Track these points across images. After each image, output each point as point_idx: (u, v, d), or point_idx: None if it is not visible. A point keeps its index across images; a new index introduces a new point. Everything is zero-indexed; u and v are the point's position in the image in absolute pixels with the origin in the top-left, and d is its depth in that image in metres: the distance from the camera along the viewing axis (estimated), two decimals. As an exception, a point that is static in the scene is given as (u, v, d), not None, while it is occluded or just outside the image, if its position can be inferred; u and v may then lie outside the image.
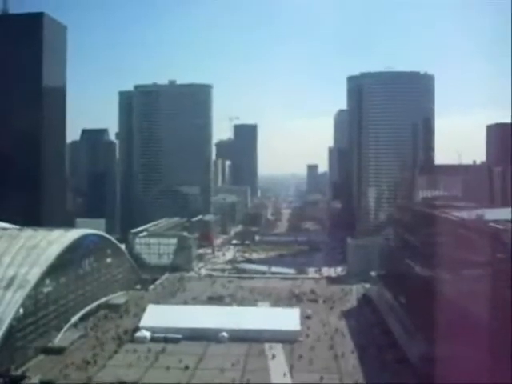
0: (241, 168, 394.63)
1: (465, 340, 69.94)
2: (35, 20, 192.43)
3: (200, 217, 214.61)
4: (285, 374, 78.36)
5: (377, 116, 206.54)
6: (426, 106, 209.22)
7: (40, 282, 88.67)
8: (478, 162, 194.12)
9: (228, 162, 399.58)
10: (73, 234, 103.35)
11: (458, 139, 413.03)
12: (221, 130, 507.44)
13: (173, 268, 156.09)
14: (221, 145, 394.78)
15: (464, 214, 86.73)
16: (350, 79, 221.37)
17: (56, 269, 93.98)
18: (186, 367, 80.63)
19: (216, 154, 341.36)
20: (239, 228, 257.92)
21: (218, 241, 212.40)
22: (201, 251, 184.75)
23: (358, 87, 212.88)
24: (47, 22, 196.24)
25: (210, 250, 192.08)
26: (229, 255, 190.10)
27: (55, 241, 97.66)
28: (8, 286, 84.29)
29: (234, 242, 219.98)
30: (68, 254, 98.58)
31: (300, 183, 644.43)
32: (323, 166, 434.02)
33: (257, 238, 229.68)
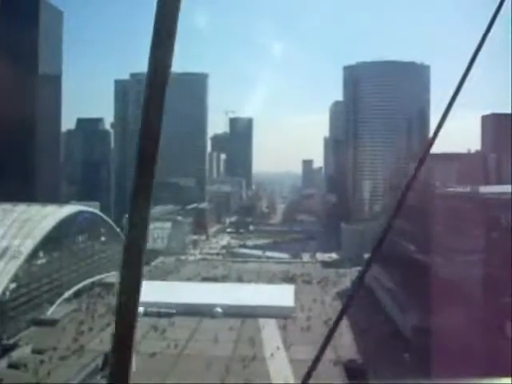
0: (236, 161, 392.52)
1: (456, 312, 70.43)
2: (31, 4, 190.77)
3: (195, 205, 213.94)
4: (278, 348, 78.52)
5: (372, 106, 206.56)
6: (422, 96, 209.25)
7: (33, 254, 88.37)
8: (473, 151, 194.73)
9: (223, 156, 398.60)
10: (67, 209, 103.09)
11: (453, 131, 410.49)
12: (216, 124, 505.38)
13: (167, 252, 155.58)
14: (216, 138, 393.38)
15: (457, 189, 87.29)
16: (346, 69, 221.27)
17: (49, 242, 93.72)
18: (179, 339, 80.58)
19: (211, 148, 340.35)
20: (234, 218, 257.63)
21: (212, 229, 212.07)
22: (195, 237, 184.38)
23: (354, 77, 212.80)
24: (43, 7, 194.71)
25: (204, 237, 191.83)
26: (223, 242, 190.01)
27: (49, 215, 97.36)
28: (0, 257, 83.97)
29: (229, 230, 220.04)
30: (62, 228, 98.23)
31: (295, 181, 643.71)
32: (318, 162, 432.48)
33: (251, 227, 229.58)
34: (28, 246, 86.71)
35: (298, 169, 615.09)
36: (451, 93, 3.81)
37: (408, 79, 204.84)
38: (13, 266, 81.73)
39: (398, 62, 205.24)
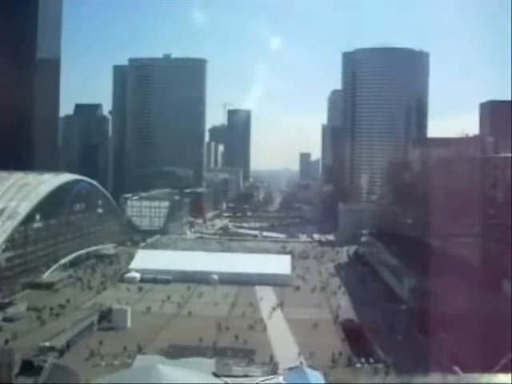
0: (234, 152, 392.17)
1: (450, 276, 70.50)
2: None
3: (192, 189, 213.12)
4: (274, 308, 78.27)
5: (370, 92, 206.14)
6: (421, 83, 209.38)
7: (30, 217, 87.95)
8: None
9: (221, 147, 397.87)
10: (64, 177, 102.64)
11: (451, 118, 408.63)
12: (215, 118, 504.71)
13: (164, 231, 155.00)
14: (214, 130, 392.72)
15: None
16: (345, 55, 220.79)
17: (46, 207, 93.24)
18: (175, 301, 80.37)
19: (209, 138, 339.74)
20: (231, 204, 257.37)
21: (209, 213, 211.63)
22: (192, 219, 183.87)
23: (353, 63, 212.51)
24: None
25: (201, 220, 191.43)
26: (220, 224, 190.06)
27: (46, 181, 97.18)
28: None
29: (226, 214, 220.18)
30: (59, 194, 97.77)
31: (292, 176, 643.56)
32: (316, 155, 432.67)
33: (249, 213, 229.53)
34: (25, 208, 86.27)
35: (295, 166, 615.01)
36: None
37: (407, 66, 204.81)
38: (9, 226, 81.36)
39: (397, 48, 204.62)
